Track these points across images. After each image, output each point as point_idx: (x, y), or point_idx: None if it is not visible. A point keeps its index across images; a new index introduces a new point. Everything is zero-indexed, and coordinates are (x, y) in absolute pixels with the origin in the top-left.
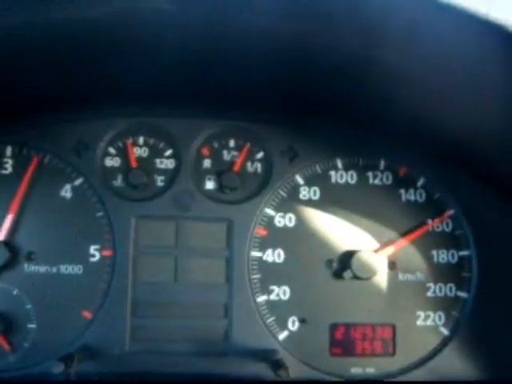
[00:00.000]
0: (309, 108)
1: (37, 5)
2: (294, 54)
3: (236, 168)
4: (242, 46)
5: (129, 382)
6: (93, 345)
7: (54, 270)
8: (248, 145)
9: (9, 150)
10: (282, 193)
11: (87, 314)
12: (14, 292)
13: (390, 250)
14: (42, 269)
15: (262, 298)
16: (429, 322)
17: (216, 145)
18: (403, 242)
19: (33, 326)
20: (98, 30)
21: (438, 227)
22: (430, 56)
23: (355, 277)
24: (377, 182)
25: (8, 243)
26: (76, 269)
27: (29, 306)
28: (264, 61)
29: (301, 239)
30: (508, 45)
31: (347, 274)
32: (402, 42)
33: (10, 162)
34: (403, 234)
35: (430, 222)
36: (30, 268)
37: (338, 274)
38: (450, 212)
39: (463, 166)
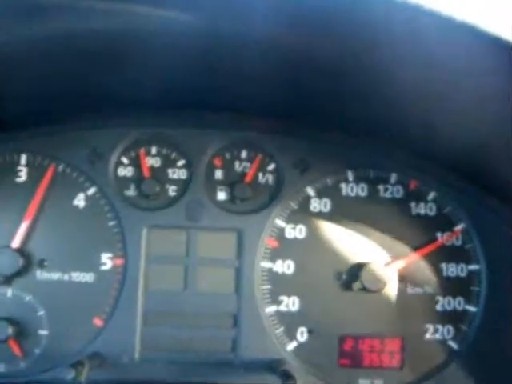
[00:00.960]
0: (321, 120)
1: (55, 16)
2: (304, 68)
3: (248, 179)
4: (254, 58)
5: None
6: (103, 352)
7: (66, 277)
8: (260, 156)
9: (23, 159)
10: (293, 204)
11: (98, 322)
12: (27, 299)
13: (400, 263)
14: (55, 276)
15: (271, 309)
16: (437, 336)
17: (228, 156)
18: (414, 257)
19: (44, 332)
20: (111, 41)
21: (447, 241)
22: (442, 69)
23: (364, 289)
24: (387, 195)
25: (21, 250)
26: (88, 277)
27: (41, 313)
28: (275, 73)
29: (311, 251)
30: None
31: (356, 285)
32: (415, 57)
33: (25, 170)
34: (414, 248)
35: (440, 237)
36: (42, 275)
37: (346, 286)
38: (461, 226)
39: (474, 180)
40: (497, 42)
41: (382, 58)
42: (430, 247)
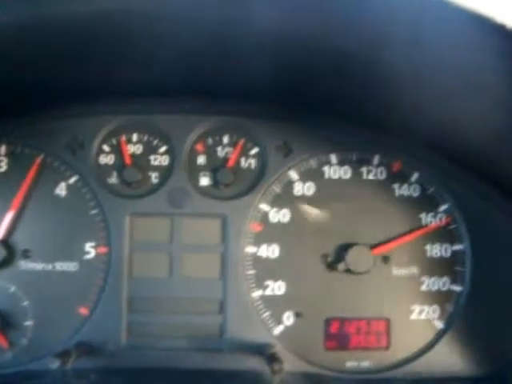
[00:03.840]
0: (303, 104)
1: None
2: (290, 52)
3: (230, 164)
4: (235, 43)
5: (125, 378)
6: (89, 341)
7: (50, 267)
8: (242, 141)
9: (3, 149)
10: (277, 188)
11: (83, 311)
12: (11, 289)
13: (385, 247)
14: (38, 266)
15: (257, 293)
16: (423, 316)
17: (210, 141)
18: (400, 241)
19: (30, 322)
20: (91, 26)
21: (431, 222)
22: (427, 55)
23: (349, 270)
24: (371, 177)
25: (4, 241)
26: (72, 266)
27: (25, 303)
28: (258, 57)
29: (295, 234)
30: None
31: (341, 266)
32: (401, 42)
33: (5, 160)
34: (400, 233)
35: (429, 223)
36: (26, 265)
37: (332, 267)
38: (445, 207)
39: (457, 161)
40: (488, 25)
41: (370, 39)
42: (418, 232)
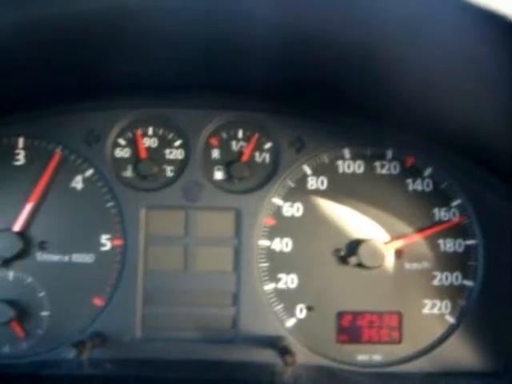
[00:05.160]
0: (316, 98)
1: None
2: (301, 45)
3: (244, 158)
4: (248, 36)
5: (139, 368)
6: (104, 332)
7: (66, 258)
8: (256, 135)
9: (21, 142)
10: (290, 182)
11: (99, 302)
12: (28, 280)
13: (399, 243)
14: (55, 258)
15: (269, 286)
16: (435, 311)
17: (224, 135)
18: (414, 237)
19: (46, 313)
20: (107, 21)
21: (444, 216)
22: (435, 47)
23: (360, 264)
24: (384, 171)
25: (22, 233)
26: (88, 257)
27: (42, 294)
28: (271, 51)
29: (308, 228)
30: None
31: (352, 260)
32: (407, 34)
33: (23, 153)
34: (412, 226)
35: (441, 219)
36: (42, 257)
37: (344, 261)
38: (457, 202)
39: (470, 156)
40: (491, 17)
41: (381, 35)
42: (433, 229)
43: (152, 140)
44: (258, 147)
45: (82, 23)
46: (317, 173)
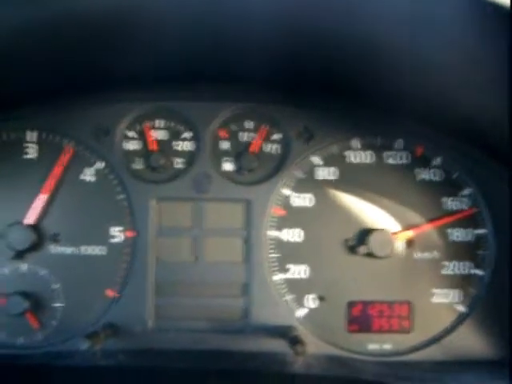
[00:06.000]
0: (325, 89)
1: None
2: (309, 35)
3: (253, 149)
4: (256, 27)
5: (152, 359)
6: (117, 323)
7: (79, 250)
8: (265, 126)
9: (30, 136)
10: (299, 173)
11: (111, 293)
12: (42, 273)
13: (409, 233)
14: (68, 250)
15: (279, 277)
16: (445, 300)
17: (233, 127)
18: (424, 227)
19: (60, 304)
20: (115, 15)
21: (454, 206)
22: (443, 37)
23: (370, 254)
24: (393, 161)
25: (35, 226)
26: (99, 250)
27: (55, 286)
28: (279, 42)
29: (318, 219)
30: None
31: (362, 249)
32: (412, 23)
33: (33, 147)
34: (424, 218)
35: (451, 208)
36: (56, 249)
37: (353, 251)
38: (467, 191)
39: (480, 145)
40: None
41: (388, 23)
42: (444, 220)
43: (161, 132)
44: (267, 138)
45: (90, 17)
46: (326, 163)
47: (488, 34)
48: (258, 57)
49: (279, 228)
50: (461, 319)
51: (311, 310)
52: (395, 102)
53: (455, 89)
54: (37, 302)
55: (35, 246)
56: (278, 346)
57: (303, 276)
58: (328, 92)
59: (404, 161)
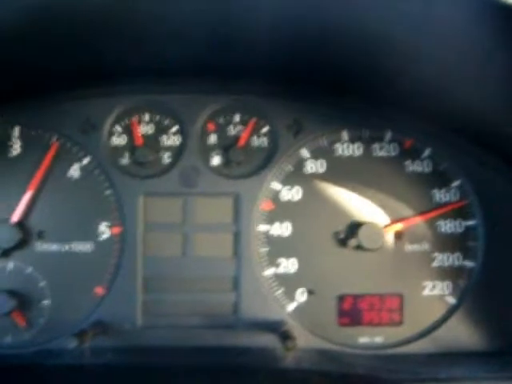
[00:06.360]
0: (313, 81)
1: None
2: (298, 27)
3: (241, 143)
4: (243, 19)
5: (141, 356)
6: (105, 320)
7: (66, 247)
8: (253, 119)
9: (16, 131)
10: (288, 166)
11: (99, 291)
12: (28, 270)
13: (398, 225)
14: (54, 247)
15: (269, 271)
16: (436, 292)
17: (221, 120)
18: (414, 220)
19: (47, 303)
20: (102, 8)
21: (444, 197)
22: (434, 30)
23: (359, 247)
24: (383, 153)
25: (20, 223)
26: (87, 246)
27: (42, 284)
28: (267, 34)
29: (308, 212)
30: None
31: (352, 242)
32: (411, 17)
33: (19, 143)
34: (414, 210)
35: (441, 199)
36: (41, 247)
37: (343, 243)
38: (456, 182)
39: (469, 136)
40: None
41: (376, 17)
42: (434, 212)
43: (148, 127)
44: (256, 131)
45: (77, 10)
46: (315, 156)
47: (485, 27)
48: (246, 49)
49: (269, 222)
50: (451, 311)
51: (301, 304)
52: (386, 94)
53: (447, 81)
54: (24, 301)
55: (21, 244)
56: (268, 340)
57: (293, 270)
58: (318, 85)
59: (393, 153)
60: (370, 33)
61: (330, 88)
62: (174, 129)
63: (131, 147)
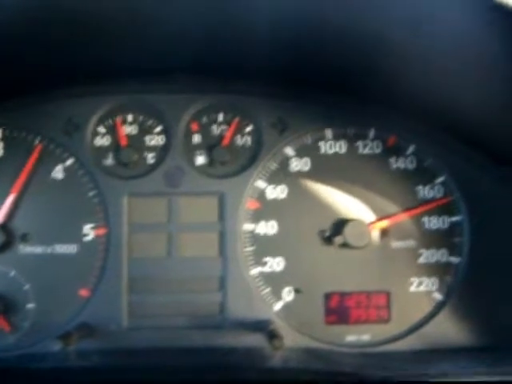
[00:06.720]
0: (297, 79)
1: None
2: (284, 26)
3: (226, 142)
4: (228, 18)
5: (127, 358)
6: (91, 322)
7: (49, 250)
8: (237, 118)
9: None
10: (273, 165)
11: (84, 293)
12: (11, 273)
13: (384, 223)
14: (38, 249)
15: (256, 270)
16: (422, 288)
17: (205, 119)
18: (399, 217)
19: (31, 306)
20: (84, 5)
21: (429, 194)
22: (429, 30)
23: (345, 244)
24: (367, 151)
25: (3, 226)
26: (71, 248)
27: (26, 287)
28: (253, 33)
29: (293, 210)
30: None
31: (338, 240)
32: (403, 17)
33: (1, 144)
34: (397, 205)
35: (426, 196)
36: (25, 249)
37: (328, 241)
38: (441, 178)
39: (453, 132)
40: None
41: (372, 14)
42: (419, 209)
43: (132, 127)
44: (240, 130)
45: (63, 10)
46: (300, 154)
47: (473, 25)
48: (231, 48)
49: (255, 221)
50: (438, 307)
51: (288, 303)
52: (369, 91)
53: (433, 78)
54: (7, 304)
55: (4, 247)
56: (255, 340)
57: (279, 269)
58: (302, 83)
59: (377, 150)
60: (360, 32)
61: (313, 86)
62: (158, 129)
63: (115, 148)
